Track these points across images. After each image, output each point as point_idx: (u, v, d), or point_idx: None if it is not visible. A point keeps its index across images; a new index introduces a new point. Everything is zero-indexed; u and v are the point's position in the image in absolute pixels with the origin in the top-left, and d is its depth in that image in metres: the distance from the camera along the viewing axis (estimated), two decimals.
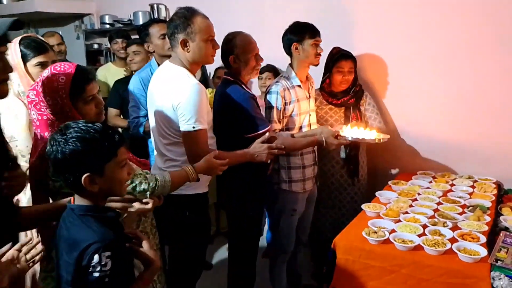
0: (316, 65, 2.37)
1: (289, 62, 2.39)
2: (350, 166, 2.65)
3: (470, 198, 2.27)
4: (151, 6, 3.78)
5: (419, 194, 2.34)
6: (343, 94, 2.63)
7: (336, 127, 2.48)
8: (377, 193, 2.37)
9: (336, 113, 2.66)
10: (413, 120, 2.83)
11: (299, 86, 2.35)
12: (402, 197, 2.27)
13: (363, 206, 2.16)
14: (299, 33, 2.29)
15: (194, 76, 1.83)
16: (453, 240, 1.75)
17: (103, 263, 1.05)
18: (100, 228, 1.12)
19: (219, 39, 1.99)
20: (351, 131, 2.27)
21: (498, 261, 1.61)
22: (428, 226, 1.89)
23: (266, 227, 2.70)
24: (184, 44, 1.77)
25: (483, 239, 1.75)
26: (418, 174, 2.72)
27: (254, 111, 2.05)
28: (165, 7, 3.78)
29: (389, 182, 2.57)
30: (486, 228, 1.86)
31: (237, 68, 2.11)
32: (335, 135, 2.21)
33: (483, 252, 1.64)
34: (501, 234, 1.84)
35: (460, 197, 2.27)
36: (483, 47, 2.52)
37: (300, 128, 2.39)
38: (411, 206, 2.16)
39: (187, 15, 1.77)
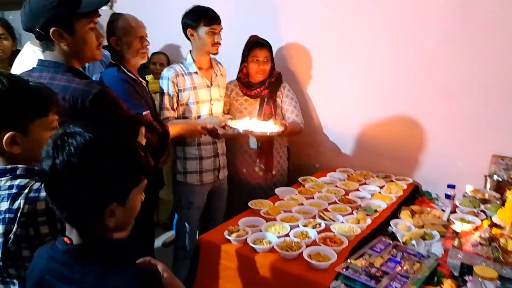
0: (215, 54, 2.24)
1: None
2: (262, 159, 2.52)
3: (371, 198, 2.12)
4: None
5: (320, 192, 2.20)
6: (258, 85, 2.49)
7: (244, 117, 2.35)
8: (276, 190, 2.23)
9: (251, 105, 2.52)
10: (337, 117, 2.68)
11: (196, 73, 2.22)
12: (299, 195, 2.14)
13: (249, 203, 2.03)
14: (194, 19, 2.16)
15: None
16: (313, 243, 1.62)
17: None
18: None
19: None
20: (243, 123, 2.14)
21: (349, 269, 1.47)
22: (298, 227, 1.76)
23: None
24: None
25: (346, 243, 1.61)
26: (336, 171, 2.58)
27: (126, 94, 1.87)
28: None
29: (299, 179, 2.43)
30: (358, 231, 1.72)
31: (120, 51, 1.99)
32: (221, 125, 2.08)
33: (334, 258, 1.51)
34: (376, 239, 1.70)
35: (361, 198, 2.13)
36: (405, 47, 2.36)
37: (199, 117, 2.27)
38: (301, 204, 2.03)
39: None
